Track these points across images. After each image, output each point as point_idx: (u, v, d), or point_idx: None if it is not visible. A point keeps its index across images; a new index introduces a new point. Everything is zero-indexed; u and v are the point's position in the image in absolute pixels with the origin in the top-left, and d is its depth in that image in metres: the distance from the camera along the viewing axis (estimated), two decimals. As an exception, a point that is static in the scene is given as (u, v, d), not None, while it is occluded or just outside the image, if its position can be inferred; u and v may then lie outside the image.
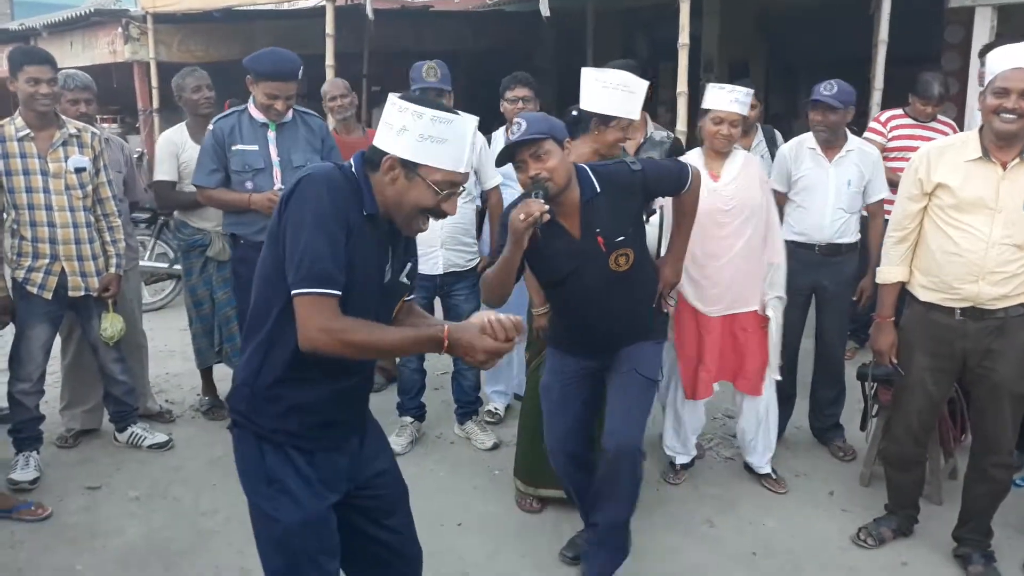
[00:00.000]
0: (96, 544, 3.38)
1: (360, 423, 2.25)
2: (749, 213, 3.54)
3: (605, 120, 3.19)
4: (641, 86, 3.20)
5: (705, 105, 3.53)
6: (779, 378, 3.79)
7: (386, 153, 1.97)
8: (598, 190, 2.78)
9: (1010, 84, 2.74)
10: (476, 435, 4.28)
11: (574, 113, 3.32)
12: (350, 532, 2.22)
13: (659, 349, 3.08)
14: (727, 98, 3.46)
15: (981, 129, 2.93)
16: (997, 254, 2.87)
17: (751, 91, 3.56)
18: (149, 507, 3.68)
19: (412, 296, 2.27)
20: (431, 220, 2.07)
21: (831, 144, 3.93)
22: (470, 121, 1.98)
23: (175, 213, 4.53)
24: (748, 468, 3.92)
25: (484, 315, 1.97)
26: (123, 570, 3.21)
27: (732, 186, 3.53)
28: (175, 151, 4.41)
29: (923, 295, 3.08)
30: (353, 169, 2.03)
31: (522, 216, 2.51)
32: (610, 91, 3.17)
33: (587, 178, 2.80)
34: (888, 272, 3.19)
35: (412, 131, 1.93)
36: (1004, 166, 2.85)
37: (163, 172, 4.44)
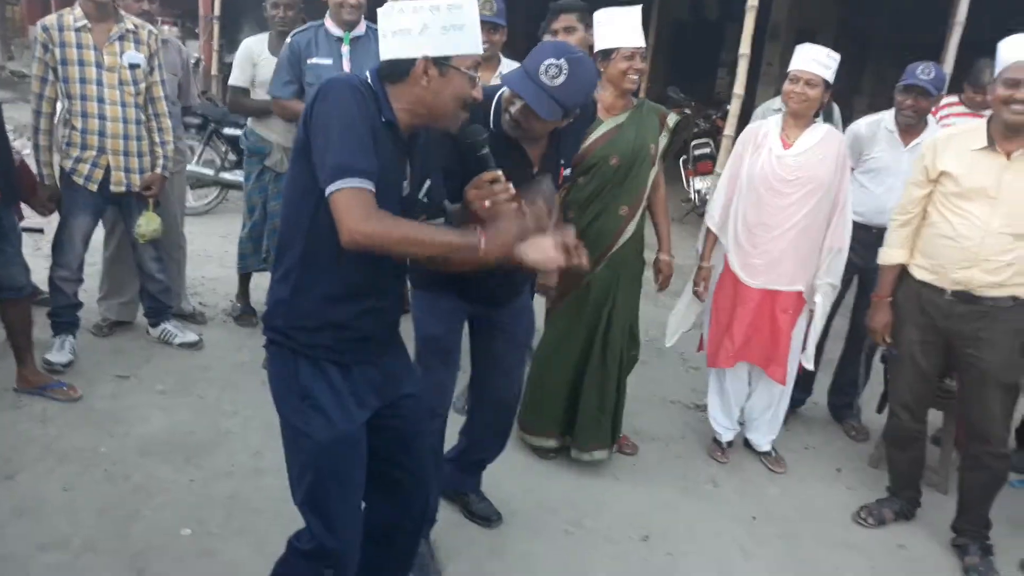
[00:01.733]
0: (120, 430, 3.52)
1: (393, 341, 2.29)
2: (813, 187, 3.39)
3: (606, 55, 3.16)
4: (634, 12, 3.15)
5: (789, 67, 3.45)
6: (811, 366, 3.69)
7: (412, 60, 1.92)
8: (570, 120, 2.48)
9: (1021, 75, 2.75)
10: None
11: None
12: (369, 455, 2.26)
13: (531, 303, 3.01)
14: (806, 57, 3.36)
15: (990, 119, 2.94)
16: (994, 242, 2.89)
17: (836, 54, 3.38)
18: (173, 401, 3.81)
19: (441, 220, 2.23)
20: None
21: (910, 129, 3.81)
22: (472, 2, 1.94)
23: (248, 120, 4.59)
24: (747, 443, 3.89)
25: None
26: (144, 457, 3.34)
27: (802, 157, 3.40)
28: (252, 59, 4.47)
29: (918, 274, 3.13)
30: (369, 80, 2.01)
31: (487, 204, 2.09)
32: (605, 26, 3.17)
33: None
34: (889, 254, 3.23)
35: (433, 26, 1.90)
36: (1008, 156, 2.87)
37: (238, 78, 4.51)
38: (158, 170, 4.00)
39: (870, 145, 3.89)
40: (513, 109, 2.36)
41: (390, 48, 1.95)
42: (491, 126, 2.40)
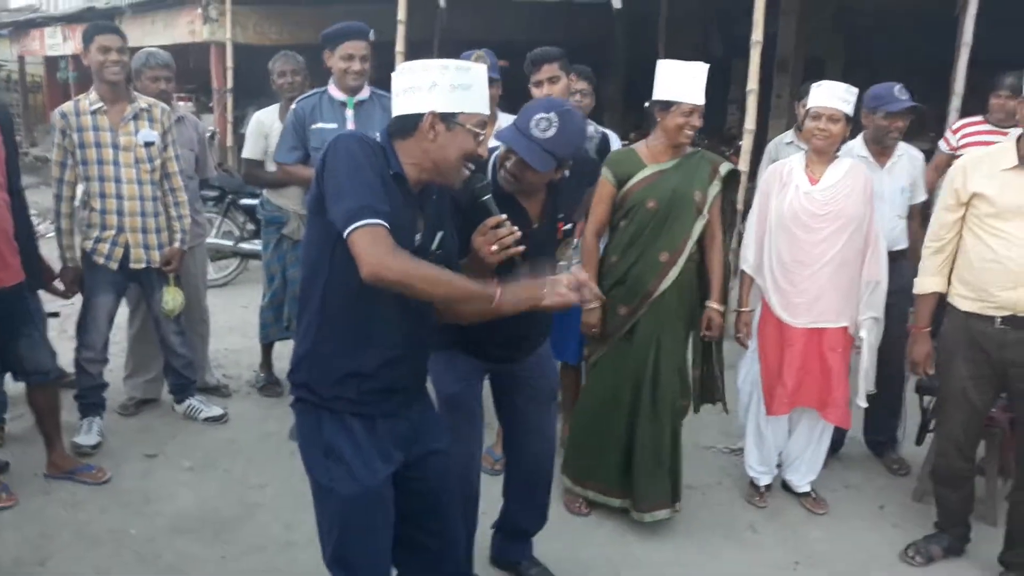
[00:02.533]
0: (150, 509, 3.50)
1: (419, 393, 2.30)
2: (845, 222, 3.36)
3: (666, 106, 3.18)
4: (701, 70, 3.17)
5: (808, 104, 3.45)
6: (865, 405, 3.61)
7: (420, 115, 2.01)
8: (567, 175, 2.56)
9: None
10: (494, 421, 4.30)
11: (646, 105, 3.32)
12: (397, 518, 2.25)
13: (551, 355, 2.99)
14: (826, 93, 3.36)
15: (1020, 138, 2.92)
16: None
17: (854, 89, 3.38)
18: (201, 477, 3.79)
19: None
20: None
21: (887, 151, 3.81)
22: (481, 66, 2.08)
23: (264, 190, 4.65)
24: (785, 485, 3.79)
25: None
26: (174, 535, 3.31)
27: (829, 192, 3.37)
28: (264, 131, 4.54)
29: (962, 305, 3.04)
30: (378, 138, 2.09)
31: (494, 248, 2.18)
32: (671, 77, 3.18)
33: None
34: (925, 283, 3.17)
35: (442, 84, 2.00)
36: None
37: (251, 151, 4.59)
38: (176, 244, 4.04)
39: None
40: (508, 164, 2.43)
41: (400, 105, 2.05)
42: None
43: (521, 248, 2.18)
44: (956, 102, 5.77)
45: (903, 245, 3.92)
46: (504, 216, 2.17)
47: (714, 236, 3.39)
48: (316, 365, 2.12)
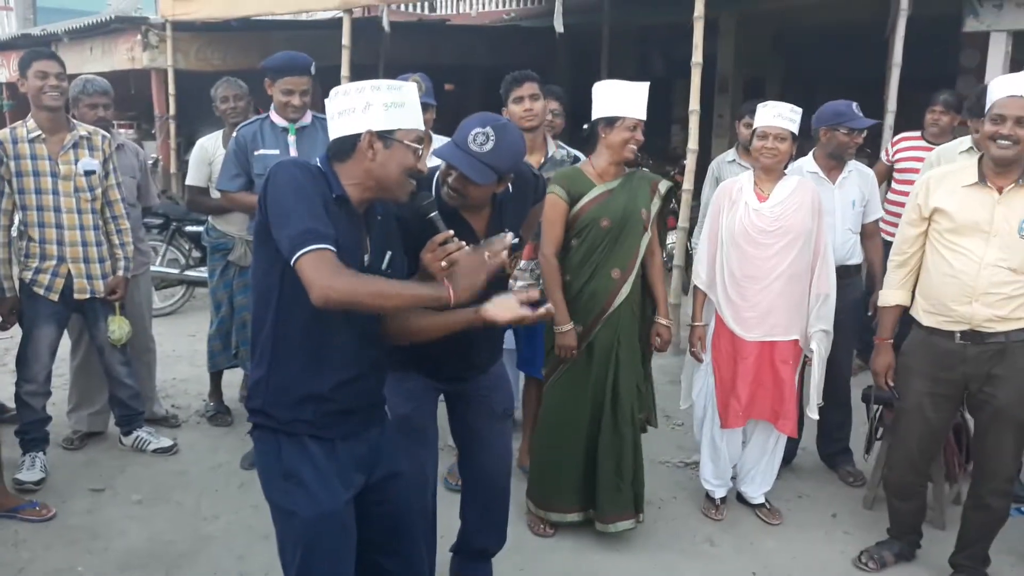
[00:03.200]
0: (98, 546, 3.40)
1: (378, 415, 2.30)
2: (794, 237, 3.44)
3: (610, 122, 3.25)
4: (642, 88, 3.25)
5: (755, 124, 3.54)
6: (816, 416, 3.68)
7: (358, 136, 2.05)
8: (510, 190, 2.61)
9: (1006, 111, 2.82)
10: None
11: (585, 127, 3.38)
12: (359, 545, 2.23)
13: (506, 373, 2.98)
14: (771, 113, 3.45)
15: (981, 158, 3.01)
16: (990, 275, 2.90)
17: (798, 108, 3.48)
18: (151, 510, 3.70)
19: None
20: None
21: (835, 165, 3.93)
22: (412, 84, 2.13)
23: (209, 217, 4.59)
24: (740, 498, 3.83)
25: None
26: (124, 572, 3.22)
27: (778, 208, 3.45)
28: (208, 158, 4.48)
29: (925, 319, 3.10)
30: (317, 162, 2.12)
31: (443, 264, 2.15)
32: (612, 95, 3.25)
33: None
34: (888, 295, 3.24)
35: (376, 104, 2.04)
36: (1000, 191, 2.91)
37: (195, 178, 4.53)
38: (120, 272, 3.97)
39: None
40: (450, 180, 2.45)
41: (336, 128, 2.08)
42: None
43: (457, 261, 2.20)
44: (889, 119, 5.99)
45: (855, 260, 4.02)
46: (451, 232, 2.19)
47: (654, 252, 3.49)
48: (272, 390, 2.12)
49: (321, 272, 1.92)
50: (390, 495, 2.30)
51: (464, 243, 2.19)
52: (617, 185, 3.33)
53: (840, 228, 3.91)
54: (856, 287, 4.08)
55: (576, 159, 3.94)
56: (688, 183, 6.04)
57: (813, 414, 3.64)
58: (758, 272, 3.48)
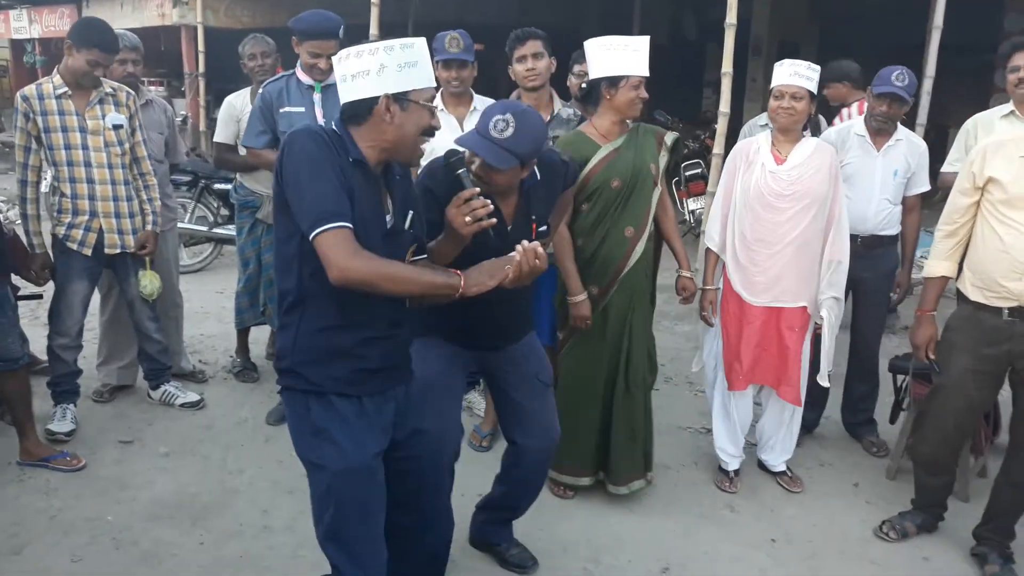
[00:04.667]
0: (126, 496, 3.47)
1: (404, 374, 2.32)
2: (809, 202, 3.35)
3: (614, 82, 3.17)
4: (643, 42, 3.16)
5: (772, 83, 3.44)
6: (827, 385, 3.61)
7: (374, 99, 2.03)
8: (538, 177, 2.64)
9: None
10: (476, 403, 4.31)
11: (582, 86, 3.33)
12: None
13: (540, 344, 2.98)
14: (787, 71, 3.35)
15: None
16: None
17: (816, 66, 3.37)
18: (178, 463, 3.77)
19: (424, 256, 2.33)
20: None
21: (882, 133, 3.82)
22: (422, 39, 2.09)
23: (237, 175, 4.60)
24: (761, 465, 3.82)
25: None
26: (151, 522, 3.29)
27: (796, 171, 3.36)
28: (235, 115, 4.48)
29: (973, 294, 2.99)
30: (333, 125, 2.11)
31: (468, 219, 2.23)
32: (612, 52, 3.16)
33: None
34: (934, 266, 3.12)
35: (390, 65, 2.02)
36: None
37: (222, 135, 4.53)
38: (149, 227, 4.00)
39: (842, 152, 3.86)
40: (475, 167, 2.46)
41: (351, 91, 2.06)
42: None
43: (494, 220, 2.25)
44: (928, 84, 5.85)
45: (891, 231, 3.92)
46: (477, 189, 2.23)
47: (666, 206, 3.44)
48: (299, 349, 2.14)
49: (338, 252, 1.94)
50: (413, 451, 2.33)
51: (488, 201, 2.22)
52: (623, 142, 3.26)
53: (877, 196, 3.83)
54: (891, 258, 3.99)
55: (583, 119, 3.89)
56: (719, 147, 5.96)
57: (824, 381, 3.58)
58: (770, 236, 3.41)
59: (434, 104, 2.13)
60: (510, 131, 2.37)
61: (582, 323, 3.31)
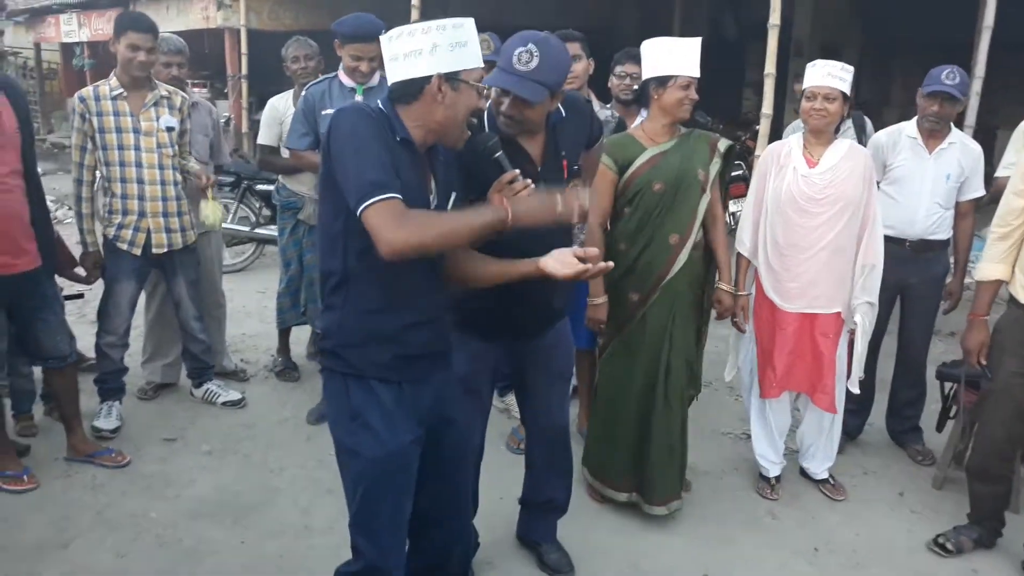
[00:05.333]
0: (169, 493, 3.52)
1: (444, 361, 2.33)
2: (843, 206, 3.28)
3: (662, 82, 3.13)
4: (694, 43, 3.13)
5: (803, 84, 3.38)
6: (857, 391, 3.54)
7: (427, 78, 2.02)
8: (563, 114, 2.58)
9: None
10: (515, 406, 4.30)
11: (635, 88, 3.29)
12: None
13: (568, 332, 2.94)
14: (820, 72, 3.29)
15: None
16: None
17: (849, 67, 3.32)
18: (220, 461, 3.81)
19: None
20: None
21: (934, 135, 3.73)
22: (470, 19, 2.07)
23: (279, 176, 4.66)
24: (803, 473, 3.76)
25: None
26: (193, 520, 3.33)
27: (829, 175, 3.29)
28: (278, 117, 4.52)
29: (1023, 296, 2.92)
30: (380, 104, 2.10)
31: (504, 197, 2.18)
32: (662, 52, 3.14)
33: None
34: (987, 269, 3.05)
35: (443, 45, 2.01)
36: None
37: (266, 137, 4.58)
38: (198, 168, 4.07)
39: (893, 154, 3.80)
40: (504, 108, 2.43)
41: (402, 70, 2.05)
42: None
43: (529, 184, 2.21)
44: (978, 85, 5.71)
45: (941, 236, 3.83)
46: (518, 171, 2.20)
47: (716, 216, 3.34)
48: (342, 331, 2.15)
49: (387, 223, 1.93)
50: (442, 439, 2.33)
51: (530, 182, 2.19)
52: (671, 147, 3.21)
53: (927, 200, 3.75)
54: (940, 263, 3.90)
55: (621, 120, 3.85)
56: (760, 149, 5.88)
57: (854, 388, 3.51)
58: (803, 241, 3.35)
59: (483, 86, 2.12)
60: (535, 62, 2.32)
61: (595, 326, 3.29)
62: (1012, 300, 2.99)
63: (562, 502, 3.07)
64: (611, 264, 2.21)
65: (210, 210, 4.07)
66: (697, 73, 3.13)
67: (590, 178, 2.92)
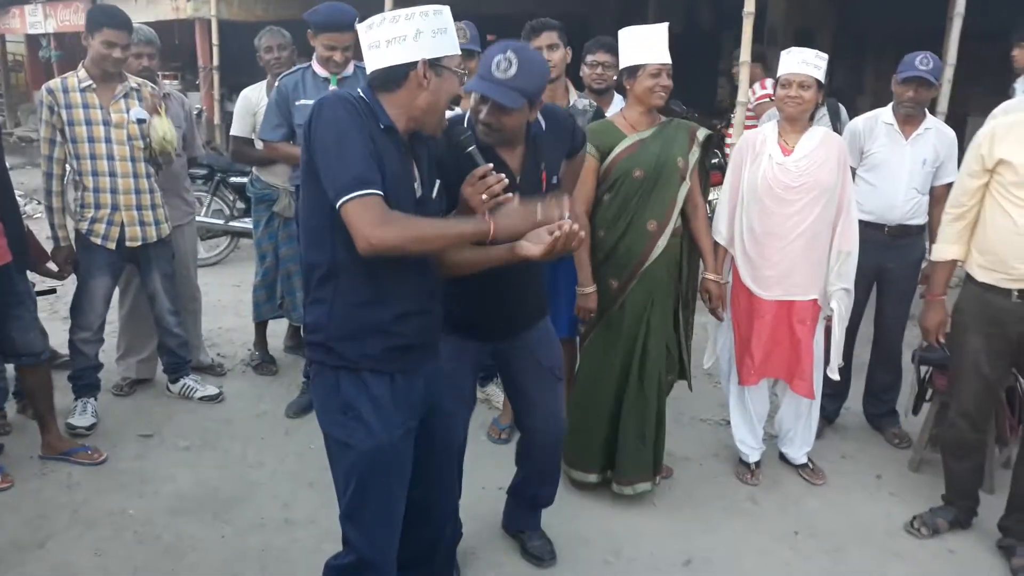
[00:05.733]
0: (147, 489, 3.48)
1: (435, 350, 2.32)
2: (818, 193, 3.30)
3: (633, 71, 3.17)
4: (659, 29, 3.15)
5: (778, 72, 3.40)
6: (837, 378, 3.58)
7: (411, 64, 2.02)
8: (543, 126, 2.60)
9: None
10: (495, 396, 4.30)
11: (614, 78, 3.30)
12: None
13: (552, 329, 2.92)
14: (794, 60, 3.31)
15: None
16: None
17: (823, 54, 3.34)
18: (198, 456, 3.78)
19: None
20: None
21: (910, 120, 3.77)
22: (446, 7, 2.08)
23: (253, 168, 4.60)
24: (783, 457, 3.79)
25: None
26: (172, 516, 3.30)
27: (804, 162, 3.31)
28: (252, 108, 4.47)
29: (980, 275, 2.99)
30: (361, 94, 2.09)
31: (484, 197, 2.21)
32: (632, 42, 3.17)
33: None
34: (943, 250, 3.11)
35: (426, 31, 2.01)
36: None
37: (239, 128, 4.53)
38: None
39: (869, 140, 3.83)
40: (482, 115, 2.44)
41: (385, 56, 2.03)
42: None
43: (511, 196, 2.21)
44: (949, 72, 5.77)
45: (918, 220, 3.87)
46: (491, 165, 2.22)
47: (696, 204, 3.36)
48: (332, 324, 2.12)
49: (365, 220, 1.92)
50: (434, 430, 2.33)
51: (504, 176, 2.21)
52: (650, 134, 3.23)
53: (905, 185, 3.78)
54: (917, 248, 3.94)
55: (599, 110, 3.85)
56: (736, 137, 5.90)
57: (833, 375, 3.54)
58: (779, 229, 3.37)
59: (463, 71, 2.14)
60: (513, 69, 2.34)
61: (585, 315, 3.29)
62: (969, 279, 3.06)
63: (548, 499, 3.09)
64: (576, 226, 2.15)
65: (160, 125, 3.87)
66: (665, 60, 3.14)
67: (571, 189, 2.93)
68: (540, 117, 2.59)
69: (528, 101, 2.39)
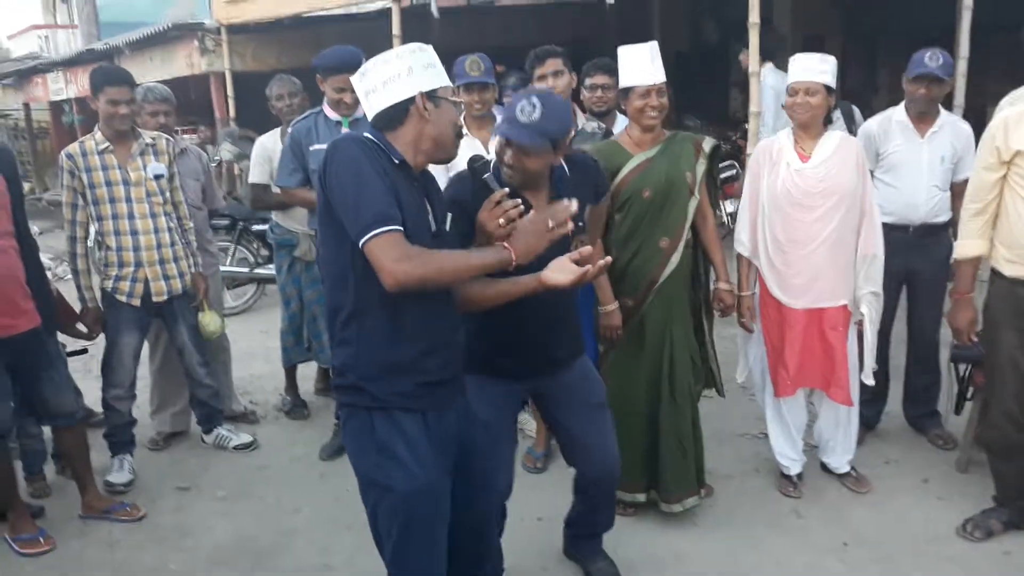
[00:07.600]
0: (187, 543, 3.49)
1: (461, 384, 2.31)
2: (840, 197, 3.26)
3: (624, 93, 3.19)
4: (643, 50, 3.15)
5: (787, 80, 3.37)
6: (872, 383, 3.51)
7: (410, 100, 2.08)
8: (567, 172, 2.67)
9: None
10: (527, 424, 4.26)
11: (606, 100, 3.32)
12: None
13: (591, 364, 2.92)
14: (799, 67, 3.30)
15: None
16: None
17: (829, 57, 3.30)
18: (235, 506, 3.78)
19: None
20: None
21: (924, 118, 3.72)
22: (427, 45, 2.17)
23: (272, 214, 4.65)
24: (825, 468, 3.71)
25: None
26: (212, 568, 3.30)
27: (823, 167, 3.28)
28: (267, 155, 4.52)
29: (1008, 269, 2.92)
30: (369, 135, 2.13)
31: (501, 221, 2.19)
32: (623, 63, 3.19)
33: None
34: (966, 246, 3.06)
35: (417, 66, 2.09)
36: None
37: (256, 175, 4.58)
38: (195, 270, 4.07)
39: (884, 141, 3.79)
40: (507, 157, 2.49)
41: (385, 97, 2.09)
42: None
43: (522, 210, 2.23)
44: (962, 66, 5.70)
45: (943, 218, 3.81)
46: (506, 190, 2.25)
47: (706, 216, 3.35)
48: (360, 364, 2.13)
49: (390, 256, 1.94)
50: (471, 467, 2.31)
51: (519, 201, 2.21)
52: (656, 152, 3.21)
53: (925, 184, 3.73)
54: (943, 246, 3.86)
55: (608, 132, 3.85)
56: (751, 147, 5.87)
57: (867, 379, 3.47)
58: (803, 236, 3.32)
59: (459, 100, 2.21)
60: (537, 113, 2.41)
61: (611, 333, 3.25)
62: (995, 273, 3.00)
63: (608, 524, 3.06)
64: (610, 259, 2.29)
65: (207, 319, 4.12)
66: (653, 80, 3.13)
67: (595, 232, 2.95)
68: (564, 163, 2.63)
69: (552, 143, 2.44)
